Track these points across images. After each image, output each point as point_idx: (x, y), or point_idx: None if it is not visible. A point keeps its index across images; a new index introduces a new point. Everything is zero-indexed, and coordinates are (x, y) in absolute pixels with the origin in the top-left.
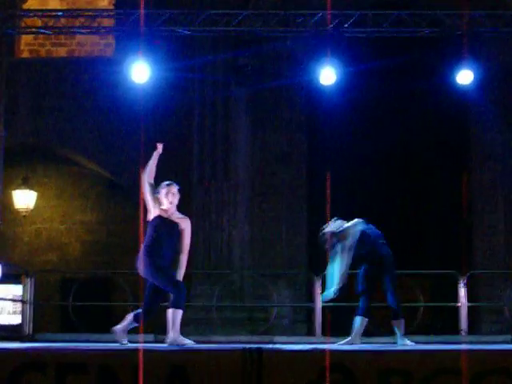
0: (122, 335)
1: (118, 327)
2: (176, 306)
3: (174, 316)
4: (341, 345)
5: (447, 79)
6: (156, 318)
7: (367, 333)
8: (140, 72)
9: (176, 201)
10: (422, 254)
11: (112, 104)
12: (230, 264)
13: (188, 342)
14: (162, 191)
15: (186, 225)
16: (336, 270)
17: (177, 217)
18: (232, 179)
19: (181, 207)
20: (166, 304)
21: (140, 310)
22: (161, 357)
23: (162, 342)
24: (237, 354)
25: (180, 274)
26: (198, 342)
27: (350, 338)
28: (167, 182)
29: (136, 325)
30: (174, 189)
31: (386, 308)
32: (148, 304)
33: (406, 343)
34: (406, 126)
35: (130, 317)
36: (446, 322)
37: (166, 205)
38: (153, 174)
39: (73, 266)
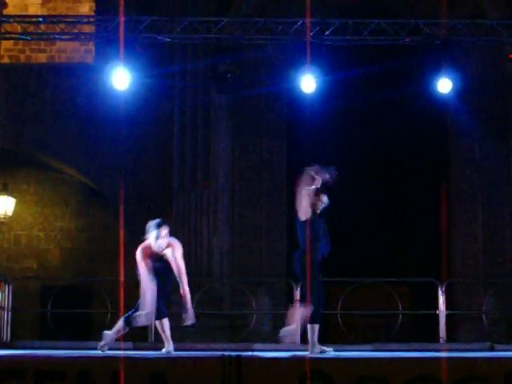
0: (110, 342)
1: (109, 332)
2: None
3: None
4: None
5: (427, 88)
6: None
7: (346, 340)
8: (120, 78)
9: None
10: (401, 261)
11: (92, 110)
12: (209, 271)
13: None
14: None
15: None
16: None
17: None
18: (212, 186)
19: (161, 214)
20: None
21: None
22: (140, 364)
23: (141, 349)
24: (216, 362)
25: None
26: (177, 350)
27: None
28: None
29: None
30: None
31: (364, 317)
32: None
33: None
34: (386, 134)
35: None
36: (424, 330)
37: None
38: None
39: (52, 273)
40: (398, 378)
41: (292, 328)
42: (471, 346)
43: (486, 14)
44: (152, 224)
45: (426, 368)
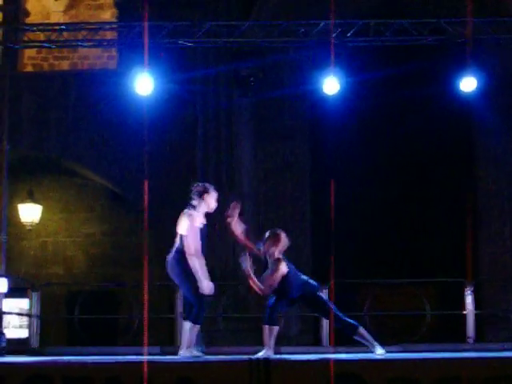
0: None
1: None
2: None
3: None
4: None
5: (450, 87)
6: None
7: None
8: (143, 84)
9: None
10: (428, 262)
11: (116, 116)
12: (234, 275)
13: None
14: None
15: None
16: None
17: None
18: (236, 190)
19: None
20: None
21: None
22: (167, 368)
23: (168, 353)
24: (244, 365)
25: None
26: (204, 354)
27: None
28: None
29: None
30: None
31: (393, 318)
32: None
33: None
34: (410, 134)
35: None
36: (452, 331)
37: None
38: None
39: (78, 278)
40: (428, 379)
41: None
42: (500, 345)
43: (510, 11)
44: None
45: (456, 368)
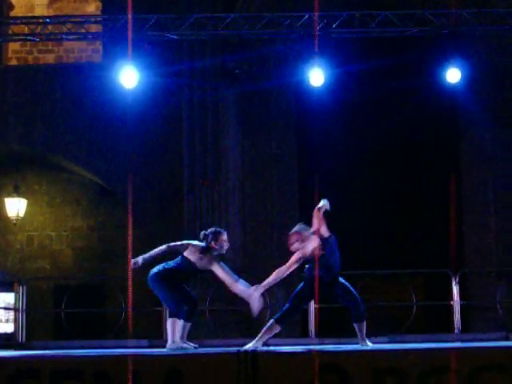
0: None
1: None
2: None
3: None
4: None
5: (435, 78)
6: (149, 324)
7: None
8: (128, 77)
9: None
10: (415, 253)
11: (101, 109)
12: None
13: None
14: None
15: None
16: None
17: None
18: (222, 182)
19: (172, 212)
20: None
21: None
22: (156, 361)
23: (156, 346)
24: (232, 357)
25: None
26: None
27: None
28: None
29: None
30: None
31: (379, 308)
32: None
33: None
34: (395, 126)
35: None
36: (439, 321)
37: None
38: None
39: (65, 272)
40: (413, 370)
41: None
42: (486, 335)
43: (494, 3)
44: None
45: (442, 359)
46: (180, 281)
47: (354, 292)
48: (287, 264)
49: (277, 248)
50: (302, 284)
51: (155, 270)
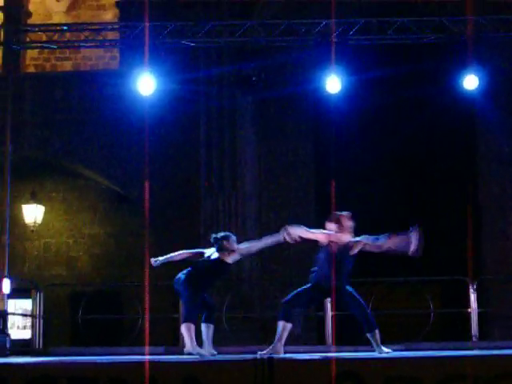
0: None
1: None
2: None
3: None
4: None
5: (453, 85)
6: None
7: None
8: (145, 84)
9: None
10: (432, 260)
11: (118, 117)
12: (238, 274)
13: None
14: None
15: None
16: None
17: None
18: (239, 189)
19: (189, 218)
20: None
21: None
22: (173, 368)
23: (173, 353)
24: (248, 364)
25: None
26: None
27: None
28: None
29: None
30: None
31: (396, 316)
32: None
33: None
34: (413, 133)
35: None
36: (456, 329)
37: None
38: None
39: (82, 279)
40: (430, 378)
41: None
42: (504, 343)
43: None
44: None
45: (459, 366)
46: (204, 286)
47: (361, 300)
48: (315, 230)
49: (294, 254)
50: (309, 285)
51: (185, 272)
